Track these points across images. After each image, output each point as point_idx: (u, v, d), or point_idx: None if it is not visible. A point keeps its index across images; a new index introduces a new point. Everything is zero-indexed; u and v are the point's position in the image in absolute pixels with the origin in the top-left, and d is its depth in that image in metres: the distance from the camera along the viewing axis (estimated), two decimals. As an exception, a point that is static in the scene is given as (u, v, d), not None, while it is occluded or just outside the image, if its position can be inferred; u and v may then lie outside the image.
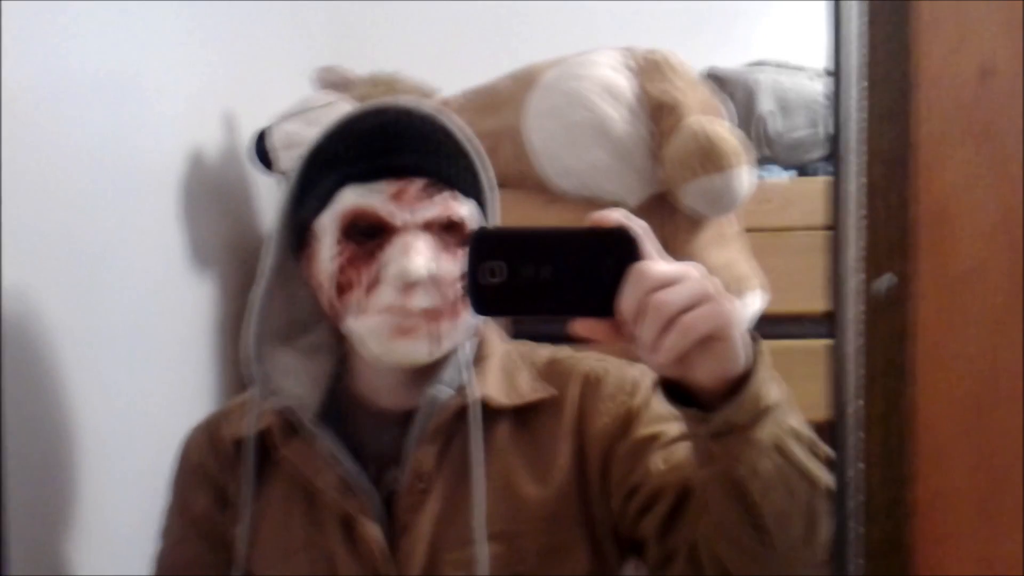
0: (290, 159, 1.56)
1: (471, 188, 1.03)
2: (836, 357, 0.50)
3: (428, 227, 0.98)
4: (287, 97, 1.71)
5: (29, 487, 1.04)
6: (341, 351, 1.11)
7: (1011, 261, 0.51)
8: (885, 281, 0.49)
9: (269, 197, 1.84)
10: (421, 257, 0.96)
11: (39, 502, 1.06)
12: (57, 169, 1.11)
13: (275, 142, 1.61)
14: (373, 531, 1.00)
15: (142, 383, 1.32)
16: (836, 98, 0.48)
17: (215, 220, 1.62)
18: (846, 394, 0.50)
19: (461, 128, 1.05)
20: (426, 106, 1.05)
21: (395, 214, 0.97)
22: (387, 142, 0.99)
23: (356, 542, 1.01)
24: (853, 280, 0.49)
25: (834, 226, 0.50)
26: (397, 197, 0.97)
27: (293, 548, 1.03)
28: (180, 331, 1.48)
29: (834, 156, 0.51)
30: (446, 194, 0.99)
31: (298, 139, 1.57)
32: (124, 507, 1.23)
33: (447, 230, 0.99)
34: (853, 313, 0.50)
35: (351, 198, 0.98)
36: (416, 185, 0.98)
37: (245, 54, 1.79)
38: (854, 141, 0.48)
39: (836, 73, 0.49)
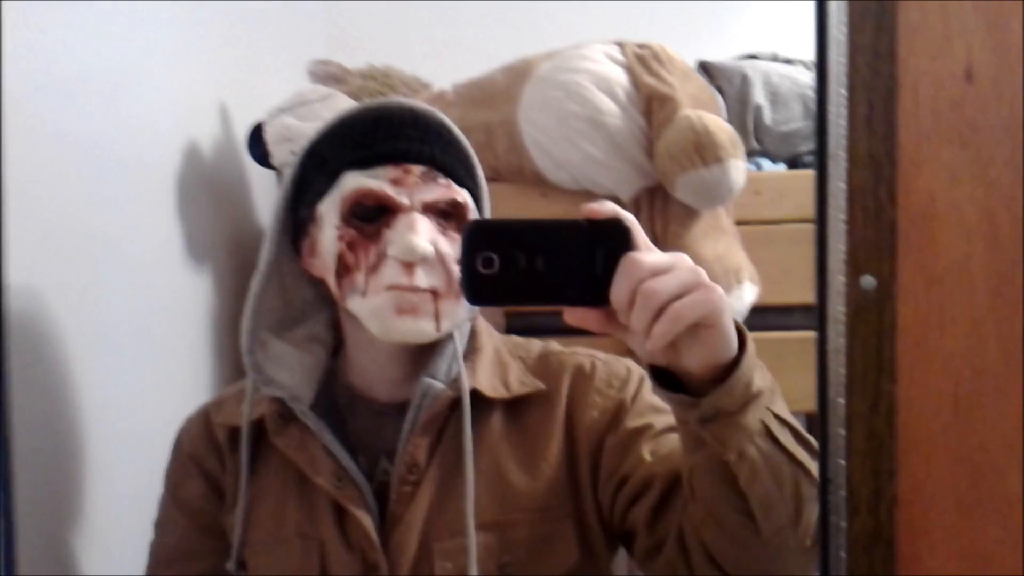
0: (285, 153, 1.57)
1: (467, 179, 1.04)
2: (820, 355, 0.51)
3: (428, 209, 1.00)
4: (282, 90, 1.72)
5: (30, 480, 1.05)
6: (335, 343, 1.13)
7: (991, 261, 0.52)
8: (866, 282, 0.50)
9: (265, 190, 1.85)
10: (425, 235, 0.97)
11: (41, 494, 1.07)
12: (53, 164, 1.12)
13: (270, 136, 1.61)
14: (365, 521, 1.01)
15: (140, 376, 1.33)
16: (819, 103, 0.49)
17: (211, 214, 1.62)
18: (829, 391, 0.51)
19: (455, 125, 1.06)
20: (421, 103, 1.07)
21: (398, 195, 0.99)
22: (387, 130, 1.01)
23: (348, 532, 1.02)
24: (836, 280, 0.50)
25: (818, 227, 0.51)
26: (398, 181, 0.99)
27: (286, 537, 1.04)
28: (177, 324, 1.49)
29: (817, 160, 0.52)
30: (444, 180, 1.01)
31: (293, 132, 1.58)
32: (125, 498, 1.24)
33: (445, 215, 1.01)
34: (836, 312, 0.51)
35: (352, 182, 1.00)
36: (416, 171, 1.00)
37: (240, 48, 1.79)
38: (834, 146, 0.49)
39: (819, 78, 0.50)
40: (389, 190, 0.99)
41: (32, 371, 1.07)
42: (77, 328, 1.15)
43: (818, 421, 0.54)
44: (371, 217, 1.00)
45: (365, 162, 1.00)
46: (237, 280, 1.64)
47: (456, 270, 0.99)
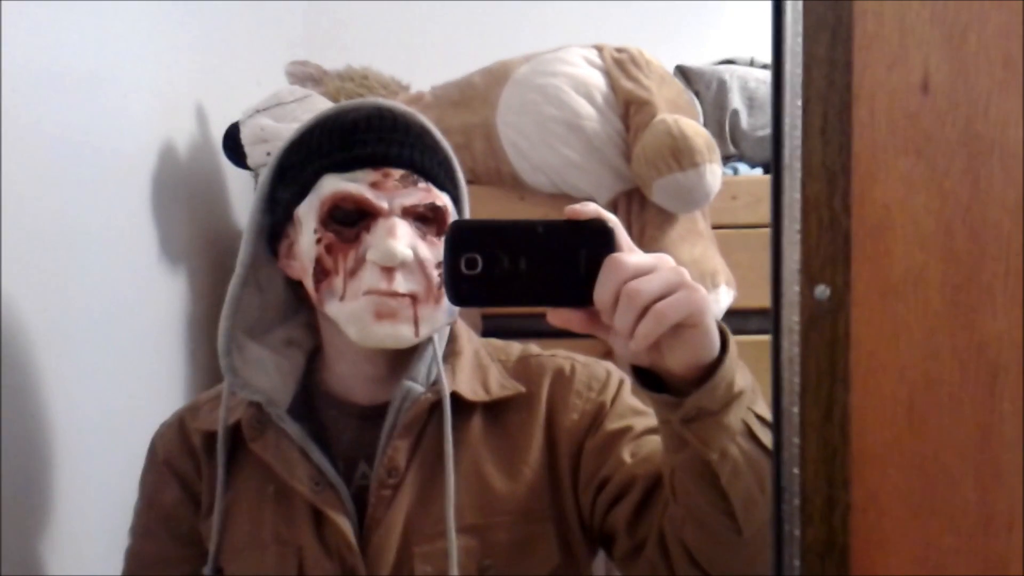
0: (261, 154, 1.56)
1: (446, 183, 1.04)
2: (774, 364, 0.52)
3: (407, 214, 1.00)
4: (259, 91, 1.71)
5: (2, 483, 1.04)
6: (313, 346, 1.12)
7: (946, 272, 0.53)
8: (820, 292, 0.50)
9: (241, 191, 1.84)
10: (404, 240, 0.97)
11: (12, 499, 1.07)
12: (27, 162, 1.11)
13: (246, 136, 1.61)
14: (343, 525, 1.01)
15: (113, 378, 1.32)
16: (775, 113, 0.50)
17: (187, 214, 1.62)
18: (783, 399, 0.52)
19: (434, 127, 1.06)
20: (401, 105, 1.07)
21: (376, 199, 0.99)
22: (366, 134, 1.01)
23: (327, 537, 1.02)
24: (790, 290, 0.51)
25: (773, 237, 0.52)
26: (377, 185, 0.99)
27: (263, 543, 1.04)
28: (151, 325, 1.49)
29: (773, 170, 0.52)
30: (424, 184, 1.01)
31: (269, 133, 1.58)
32: (97, 503, 1.23)
33: (424, 219, 1.01)
34: (790, 321, 0.51)
35: (331, 185, 1.00)
36: (395, 175, 0.99)
37: (217, 48, 1.79)
38: (789, 156, 0.49)
39: (775, 88, 0.50)
40: (368, 194, 0.99)
41: (1, 370, 1.06)
42: (49, 328, 1.15)
43: (772, 428, 0.55)
44: (350, 221, 0.99)
45: (344, 165, 1.00)
46: (212, 281, 1.64)
47: (435, 274, 0.99)
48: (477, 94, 1.68)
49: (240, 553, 1.05)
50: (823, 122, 0.50)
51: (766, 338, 1.66)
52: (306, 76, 1.78)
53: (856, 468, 0.51)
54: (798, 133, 0.50)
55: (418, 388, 1.04)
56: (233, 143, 1.64)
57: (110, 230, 1.34)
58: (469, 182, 1.72)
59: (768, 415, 0.85)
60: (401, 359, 1.05)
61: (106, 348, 1.31)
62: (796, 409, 0.50)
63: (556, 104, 1.58)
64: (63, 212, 1.20)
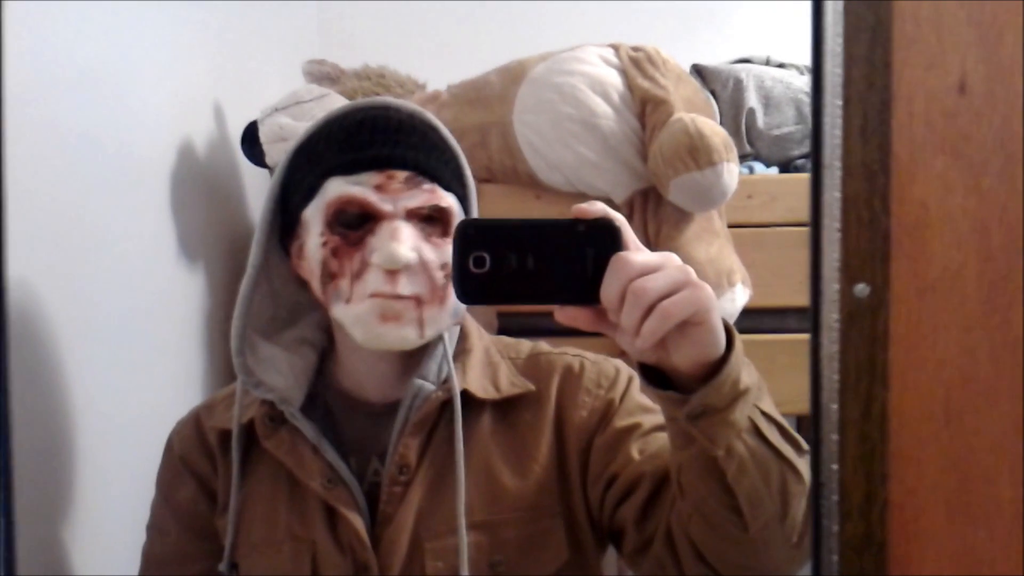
0: (279, 152, 1.57)
1: (453, 182, 1.04)
2: (813, 361, 0.52)
3: (412, 216, 1.00)
4: (277, 90, 1.72)
5: (23, 478, 1.05)
6: (326, 344, 1.13)
7: (983, 270, 0.53)
8: (860, 290, 0.51)
9: (259, 189, 1.85)
10: (407, 243, 0.98)
11: (33, 492, 1.07)
12: (47, 161, 1.12)
13: (264, 135, 1.62)
14: (356, 522, 1.01)
15: (133, 374, 1.32)
16: (815, 113, 0.50)
17: (205, 212, 1.63)
18: (823, 397, 0.52)
19: (442, 125, 1.07)
20: (409, 104, 1.07)
21: (380, 202, 0.99)
22: (371, 135, 1.01)
23: (339, 533, 1.02)
24: (830, 288, 0.51)
25: (812, 236, 0.52)
26: (381, 188, 0.99)
27: (278, 539, 1.04)
28: (170, 322, 1.49)
29: (812, 169, 0.53)
30: (429, 185, 1.01)
31: (288, 132, 1.58)
32: (117, 498, 1.24)
33: (429, 221, 1.01)
34: (830, 319, 0.52)
35: (336, 188, 1.00)
36: (400, 176, 1.00)
37: (235, 46, 1.79)
38: (829, 155, 0.50)
39: (815, 88, 0.51)
40: (372, 197, 0.99)
41: (24, 367, 1.07)
42: (69, 325, 1.15)
43: (811, 425, 0.55)
44: (355, 224, 1.00)
45: (349, 168, 1.00)
46: (230, 279, 1.64)
47: (439, 276, 1.00)
48: (493, 93, 1.68)
49: (255, 549, 1.06)
50: (863, 121, 0.51)
51: (780, 337, 1.67)
52: (323, 75, 1.79)
53: (894, 465, 0.51)
54: (838, 132, 0.50)
55: (429, 386, 1.04)
56: (251, 141, 1.65)
57: (129, 228, 1.35)
58: (485, 180, 1.74)
59: (774, 412, 0.86)
60: (412, 357, 1.05)
61: (126, 345, 1.31)
62: (835, 406, 0.51)
63: (572, 103, 1.59)
64: (83, 211, 1.20)
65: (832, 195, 0.51)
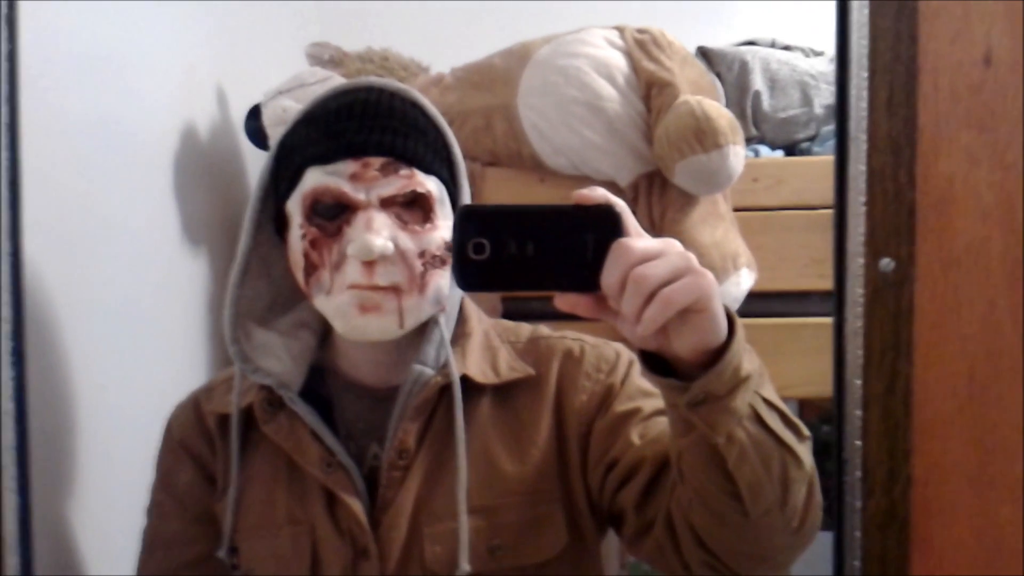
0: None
1: (437, 164, 1.03)
2: (837, 338, 0.52)
3: (388, 204, 0.99)
4: (279, 73, 1.71)
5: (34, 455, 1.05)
6: (325, 327, 1.12)
7: (1008, 244, 0.53)
8: (885, 264, 0.50)
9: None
10: (382, 233, 0.97)
11: (40, 473, 1.07)
12: (51, 146, 1.11)
13: (268, 118, 1.61)
14: (355, 506, 1.01)
15: (135, 357, 1.32)
16: (840, 86, 0.50)
17: (208, 195, 1.62)
18: (847, 372, 0.52)
19: (431, 105, 1.05)
20: (395, 83, 1.06)
21: (355, 192, 0.98)
22: (348, 122, 1.00)
23: (338, 517, 1.02)
24: (854, 263, 0.51)
25: (837, 210, 0.52)
26: (356, 176, 0.98)
27: (277, 523, 1.04)
28: (174, 305, 1.49)
29: (837, 142, 0.52)
30: (407, 171, 1.00)
31: (290, 115, 1.56)
32: (120, 478, 1.24)
33: (408, 207, 1.00)
34: (854, 294, 0.51)
35: (312, 179, 0.99)
36: (375, 164, 0.99)
37: (238, 30, 1.78)
38: (855, 128, 0.49)
39: (841, 61, 0.50)
40: (346, 187, 0.98)
41: (29, 350, 1.06)
42: (73, 308, 1.15)
43: (834, 402, 0.55)
44: (332, 214, 0.99)
45: (325, 157, 0.99)
46: (232, 262, 1.64)
47: (418, 264, 0.99)
48: (498, 76, 1.67)
49: (254, 533, 1.05)
50: (889, 94, 0.50)
51: (785, 321, 1.66)
52: (326, 58, 1.78)
53: (917, 440, 0.51)
54: (864, 105, 0.50)
55: (428, 371, 1.04)
56: (254, 125, 1.64)
57: (133, 212, 1.34)
58: (489, 164, 1.73)
59: (775, 398, 0.85)
60: (410, 342, 1.05)
61: (129, 328, 1.31)
62: (859, 381, 0.50)
63: (577, 86, 1.58)
64: (86, 194, 1.20)
65: (857, 168, 0.50)
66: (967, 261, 0.53)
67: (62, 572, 1.12)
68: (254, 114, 1.64)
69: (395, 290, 0.97)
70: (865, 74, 0.50)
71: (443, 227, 0.99)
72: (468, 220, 0.75)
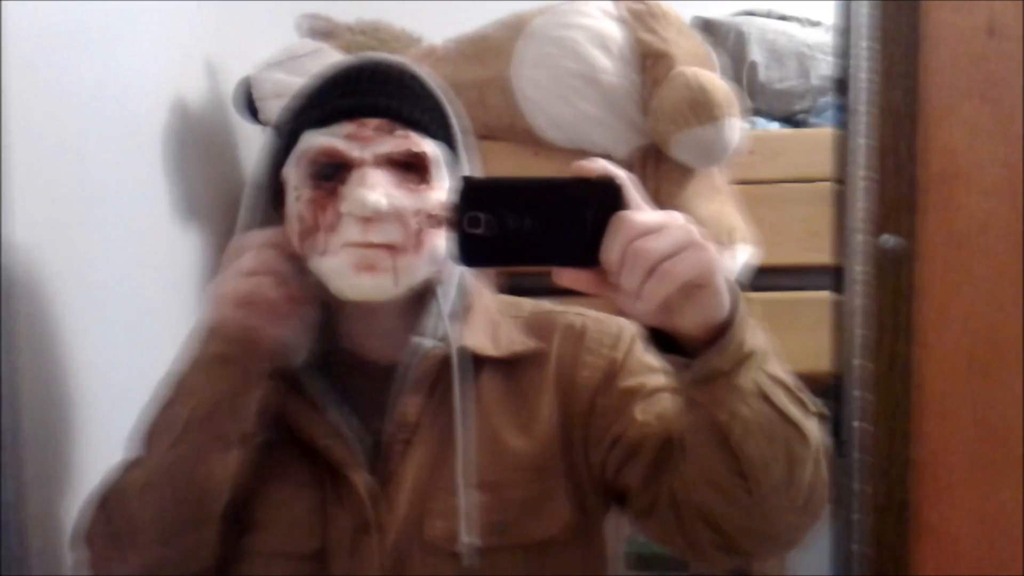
0: (275, 108, 1.54)
1: (437, 130, 1.02)
2: (840, 315, 0.50)
3: (385, 162, 0.98)
4: (270, 45, 1.69)
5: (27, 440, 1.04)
6: (324, 305, 1.12)
7: (1012, 221, 0.51)
8: (890, 240, 0.49)
9: (254, 146, 1.83)
10: (377, 189, 0.96)
11: (34, 453, 1.07)
12: (40, 119, 1.10)
13: (259, 91, 1.59)
14: (360, 479, 1.01)
15: (128, 333, 1.31)
16: (845, 56, 0.48)
17: (199, 169, 1.60)
18: (850, 353, 0.51)
19: (429, 75, 1.04)
20: (395, 57, 1.06)
21: (351, 150, 0.97)
22: (345, 87, 1.00)
23: (343, 490, 1.02)
24: (858, 238, 0.49)
25: (840, 183, 0.50)
26: (352, 136, 0.98)
27: (283, 496, 1.04)
28: (165, 281, 1.48)
29: (842, 113, 0.51)
30: (403, 132, 0.99)
31: (282, 88, 1.55)
32: (116, 456, 1.23)
33: (405, 168, 0.99)
34: (855, 272, 0.50)
35: (309, 141, 0.99)
36: (371, 124, 0.98)
37: (228, 2, 1.76)
38: (862, 100, 0.47)
39: (845, 30, 0.48)
40: (341, 145, 0.97)
41: (20, 327, 1.06)
42: (65, 284, 1.14)
43: (833, 382, 0.54)
44: (328, 175, 0.98)
45: (322, 120, 0.99)
46: (227, 236, 1.63)
47: (414, 223, 0.98)
48: (491, 47, 1.65)
49: (261, 505, 1.05)
50: (890, 64, 0.49)
51: (780, 295, 1.64)
52: (317, 30, 1.76)
53: (917, 422, 0.50)
54: (864, 76, 0.48)
55: (427, 343, 1.03)
56: (245, 97, 1.62)
57: (124, 186, 1.33)
58: (484, 137, 1.70)
59: (783, 375, 0.84)
60: (413, 315, 1.04)
61: (122, 304, 1.30)
62: (858, 362, 0.49)
63: (572, 57, 1.56)
64: (76, 169, 1.18)
65: (857, 142, 0.49)
66: (970, 237, 0.51)
67: (54, 560, 1.12)
68: (245, 87, 1.62)
69: (390, 248, 0.96)
70: (866, 43, 0.48)
71: (441, 189, 0.98)
72: (467, 193, 0.74)
